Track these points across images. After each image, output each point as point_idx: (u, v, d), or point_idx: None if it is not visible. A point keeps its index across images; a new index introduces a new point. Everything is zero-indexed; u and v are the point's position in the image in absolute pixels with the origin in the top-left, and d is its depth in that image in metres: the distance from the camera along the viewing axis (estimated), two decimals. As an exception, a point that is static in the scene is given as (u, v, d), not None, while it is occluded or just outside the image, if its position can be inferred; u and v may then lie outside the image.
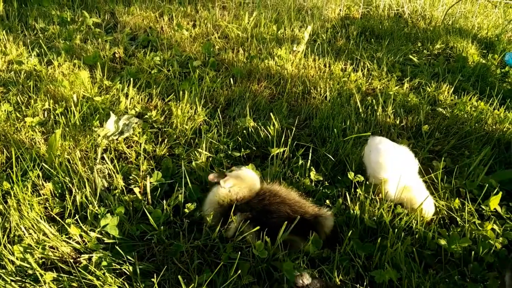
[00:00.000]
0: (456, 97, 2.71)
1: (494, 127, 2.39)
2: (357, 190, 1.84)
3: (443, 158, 2.02)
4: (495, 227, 1.70)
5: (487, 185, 1.83)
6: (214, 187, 1.72)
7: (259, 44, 3.28)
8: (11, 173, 1.76)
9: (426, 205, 1.72)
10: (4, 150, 1.99)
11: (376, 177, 1.82)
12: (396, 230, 1.64)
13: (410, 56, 3.25)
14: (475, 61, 3.24)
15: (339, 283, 1.46)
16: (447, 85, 2.78)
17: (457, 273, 1.51)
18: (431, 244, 1.64)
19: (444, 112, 2.51)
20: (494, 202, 1.79)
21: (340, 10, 4.14)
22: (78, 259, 1.52)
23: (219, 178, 1.68)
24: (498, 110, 2.53)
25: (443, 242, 1.62)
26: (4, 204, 1.65)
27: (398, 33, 3.66)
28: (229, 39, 3.43)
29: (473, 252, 1.59)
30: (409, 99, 2.61)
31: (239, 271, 1.47)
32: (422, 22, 4.02)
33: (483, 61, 3.24)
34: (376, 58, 3.16)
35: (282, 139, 2.14)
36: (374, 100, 2.54)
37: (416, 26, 3.91)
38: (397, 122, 2.39)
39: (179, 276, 1.43)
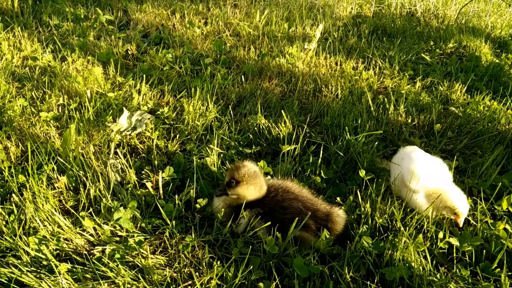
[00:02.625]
0: (469, 96, 2.69)
1: (507, 126, 2.37)
2: (368, 188, 1.84)
3: (455, 157, 2.01)
4: (507, 226, 1.69)
5: (499, 184, 1.82)
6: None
7: (270, 42, 3.28)
8: (27, 166, 1.79)
9: (461, 203, 1.66)
10: (20, 144, 2.03)
11: (405, 187, 1.75)
12: (407, 228, 1.64)
13: (423, 55, 3.23)
14: (488, 60, 3.21)
15: (349, 279, 1.46)
16: (459, 84, 2.76)
17: (468, 272, 1.51)
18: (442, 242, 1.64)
19: (457, 111, 2.50)
20: (507, 202, 1.78)
21: (352, 8, 4.13)
22: (92, 251, 1.54)
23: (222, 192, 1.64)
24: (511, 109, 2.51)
25: (454, 241, 1.62)
26: (20, 197, 1.68)
27: (410, 31, 3.64)
28: (240, 36, 3.44)
29: (484, 251, 1.59)
30: (421, 98, 2.60)
31: (250, 266, 1.48)
32: (434, 21, 3.99)
33: (497, 61, 3.20)
34: (388, 56, 3.14)
35: (293, 137, 2.15)
36: (385, 99, 2.53)
37: (429, 25, 3.88)
38: (409, 121, 2.38)
39: (191, 269, 1.45)
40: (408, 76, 2.86)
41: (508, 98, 2.57)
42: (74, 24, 3.44)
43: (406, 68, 3.02)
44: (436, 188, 1.70)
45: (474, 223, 1.73)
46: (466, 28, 3.77)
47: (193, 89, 2.49)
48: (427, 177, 1.72)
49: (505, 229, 1.67)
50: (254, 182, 1.59)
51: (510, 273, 1.50)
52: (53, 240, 1.53)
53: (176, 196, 1.74)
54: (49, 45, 3.05)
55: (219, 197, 1.65)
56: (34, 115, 2.26)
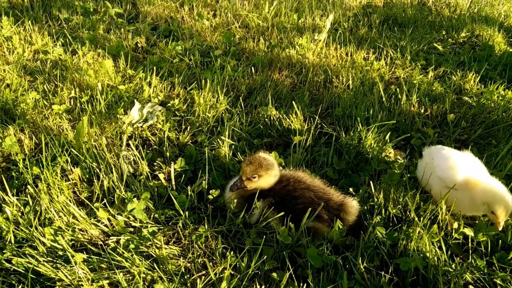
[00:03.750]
0: (483, 86, 2.65)
1: (522, 116, 2.33)
2: (381, 178, 1.82)
3: (470, 147, 1.98)
4: (523, 217, 1.67)
5: (515, 174, 1.80)
6: (237, 176, 1.73)
7: (279, 33, 3.26)
8: (41, 158, 1.81)
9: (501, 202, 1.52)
10: (33, 136, 2.04)
11: (448, 184, 1.64)
12: (421, 218, 1.62)
13: (435, 45, 3.18)
14: (502, 49, 3.15)
15: (363, 270, 1.45)
16: (473, 74, 2.72)
17: (484, 262, 1.49)
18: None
19: (470, 101, 2.46)
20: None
21: (362, -2, 4.07)
22: (107, 242, 1.56)
23: (240, 185, 1.63)
24: (527, 99, 2.46)
25: (469, 231, 1.60)
26: (35, 188, 1.70)
27: (422, 21, 3.58)
28: (249, 28, 3.42)
29: (500, 241, 1.57)
30: (434, 88, 2.57)
31: (264, 257, 1.48)
32: (446, 10, 3.93)
33: (511, 50, 3.14)
34: (399, 46, 3.10)
35: (305, 128, 2.14)
36: (398, 89, 2.50)
37: (441, 14, 3.82)
38: (422, 111, 2.35)
39: (205, 260, 1.45)
40: (420, 66, 2.82)
41: (523, 88, 2.52)
42: (83, 18, 3.45)
43: (418, 58, 2.98)
44: (476, 179, 1.61)
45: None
46: (479, 17, 3.70)
47: (203, 81, 2.49)
48: (467, 169, 1.66)
49: (521, 219, 1.65)
50: (275, 174, 1.63)
51: (526, 263, 1.49)
52: (68, 230, 1.55)
53: (189, 187, 1.75)
54: (60, 38, 3.06)
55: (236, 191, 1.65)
56: (46, 108, 2.27)
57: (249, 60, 2.92)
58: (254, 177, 1.60)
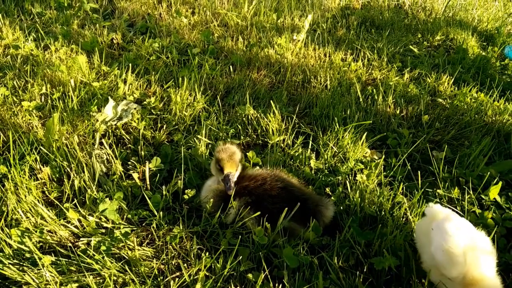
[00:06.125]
0: (456, 88, 2.71)
1: (493, 118, 2.39)
2: (357, 178, 1.83)
3: (445, 148, 2.02)
4: (494, 216, 1.71)
5: (487, 174, 1.83)
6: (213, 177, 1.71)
7: (258, 33, 3.25)
8: (9, 156, 1.74)
9: None
10: (1, 134, 1.96)
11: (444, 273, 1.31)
12: (395, 218, 1.64)
13: (411, 47, 3.24)
14: (475, 53, 3.23)
15: (339, 269, 1.45)
16: (447, 76, 2.78)
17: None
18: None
19: (444, 103, 2.51)
20: (494, 192, 1.80)
21: (341, 0, 4.11)
22: (77, 243, 1.51)
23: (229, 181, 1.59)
24: (498, 101, 2.52)
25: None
26: (1, 188, 1.63)
27: (398, 24, 3.64)
28: (228, 27, 3.39)
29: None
30: (409, 90, 2.61)
31: (239, 257, 1.46)
32: (422, 14, 4.00)
33: (483, 53, 3.23)
34: (376, 48, 3.14)
35: (282, 127, 2.13)
36: (374, 90, 2.52)
37: (417, 17, 3.89)
38: (397, 112, 2.38)
39: (179, 261, 1.42)
40: (396, 68, 2.86)
41: (495, 90, 2.59)
42: (57, 12, 3.35)
43: (394, 60, 3.02)
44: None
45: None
46: (453, 21, 3.79)
47: (180, 79, 2.45)
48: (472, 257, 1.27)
49: (492, 218, 1.69)
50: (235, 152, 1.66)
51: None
52: (36, 232, 1.49)
53: (164, 187, 1.71)
54: (32, 33, 2.96)
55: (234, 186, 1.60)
56: (16, 104, 2.19)
57: (227, 59, 2.90)
58: (241, 160, 1.65)
